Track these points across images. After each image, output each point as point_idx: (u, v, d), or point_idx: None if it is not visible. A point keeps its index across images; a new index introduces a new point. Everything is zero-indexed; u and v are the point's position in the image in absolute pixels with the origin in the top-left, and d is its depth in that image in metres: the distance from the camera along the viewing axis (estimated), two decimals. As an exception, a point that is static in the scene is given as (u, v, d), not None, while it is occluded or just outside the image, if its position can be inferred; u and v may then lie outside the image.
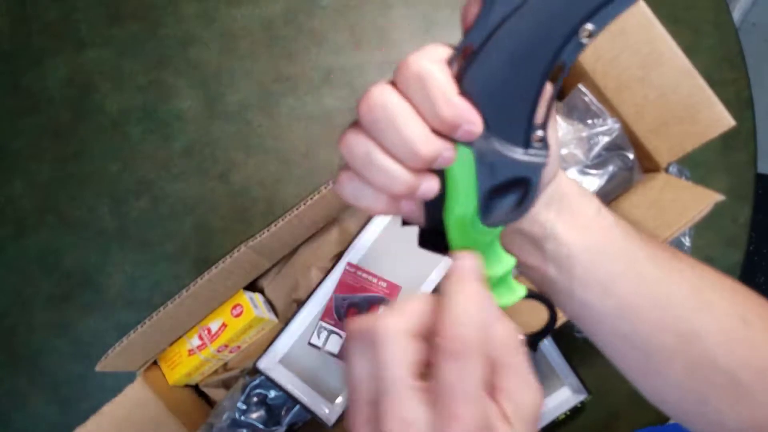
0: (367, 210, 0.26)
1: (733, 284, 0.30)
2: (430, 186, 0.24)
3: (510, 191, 0.25)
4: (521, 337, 0.26)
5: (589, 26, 0.22)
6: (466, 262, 0.25)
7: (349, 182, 0.25)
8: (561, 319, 0.33)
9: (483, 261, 0.27)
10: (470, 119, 0.23)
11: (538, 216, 0.29)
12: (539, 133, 0.24)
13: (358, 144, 0.23)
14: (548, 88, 0.23)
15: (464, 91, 0.23)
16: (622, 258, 0.29)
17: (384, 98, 0.22)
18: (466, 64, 0.23)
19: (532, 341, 0.30)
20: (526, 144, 0.24)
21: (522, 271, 0.31)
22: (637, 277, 0.29)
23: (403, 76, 0.23)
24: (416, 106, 0.23)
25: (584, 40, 0.22)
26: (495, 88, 0.23)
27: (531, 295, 0.29)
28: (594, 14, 0.21)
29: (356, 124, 0.24)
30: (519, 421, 0.24)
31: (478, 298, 0.23)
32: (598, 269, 0.29)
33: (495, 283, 0.29)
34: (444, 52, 0.23)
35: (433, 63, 0.22)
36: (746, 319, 0.28)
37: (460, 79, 0.23)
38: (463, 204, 0.26)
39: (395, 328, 0.23)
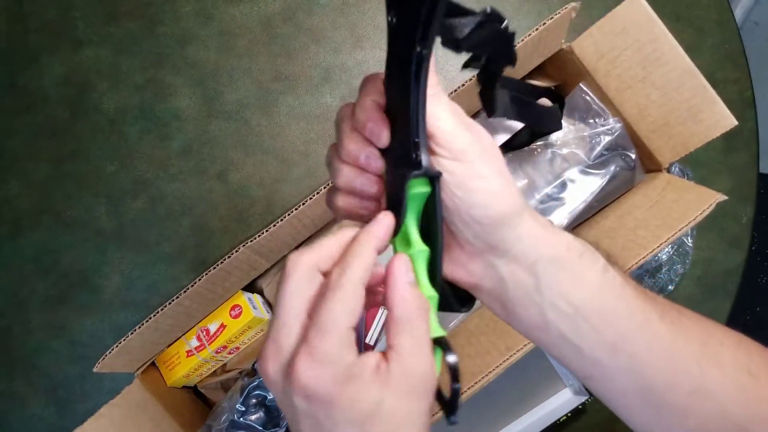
0: (339, 213, 0.30)
1: (738, 337, 0.30)
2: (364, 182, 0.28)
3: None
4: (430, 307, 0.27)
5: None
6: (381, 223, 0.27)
7: (328, 194, 0.30)
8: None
9: None
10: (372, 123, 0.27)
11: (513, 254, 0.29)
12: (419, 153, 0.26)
13: (328, 155, 0.29)
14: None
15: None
16: (635, 317, 0.29)
17: (338, 114, 0.29)
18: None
19: (448, 409, 0.26)
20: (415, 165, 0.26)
21: (525, 330, 0.31)
22: (649, 335, 0.29)
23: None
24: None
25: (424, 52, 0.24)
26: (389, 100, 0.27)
27: (441, 343, 0.27)
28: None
29: None
30: (401, 385, 0.24)
31: (368, 255, 0.26)
32: (609, 329, 0.28)
33: None
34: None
35: (368, 81, 0.27)
36: (753, 372, 0.29)
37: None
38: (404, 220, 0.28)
39: (301, 261, 0.26)
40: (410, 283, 0.26)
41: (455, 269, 0.30)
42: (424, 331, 0.26)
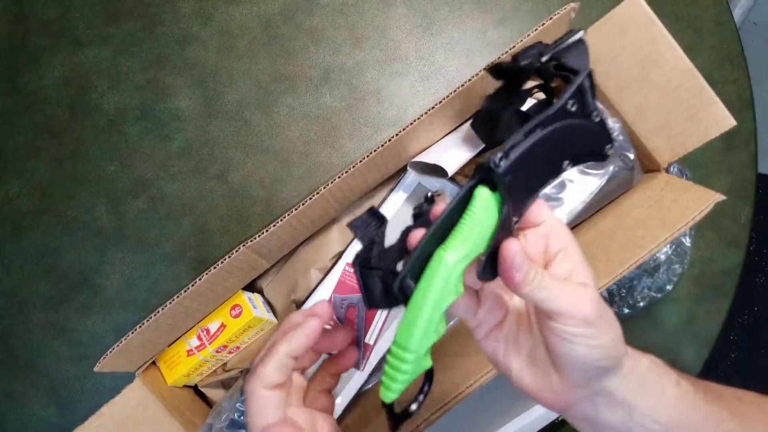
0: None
1: None
2: None
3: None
4: None
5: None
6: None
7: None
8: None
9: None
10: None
11: (616, 393, 0.31)
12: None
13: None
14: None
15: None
16: (710, 421, 0.31)
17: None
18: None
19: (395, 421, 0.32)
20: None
21: None
22: None
23: None
24: None
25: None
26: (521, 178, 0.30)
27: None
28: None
29: None
30: None
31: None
32: None
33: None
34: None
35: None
36: None
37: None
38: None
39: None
40: None
41: (544, 393, 0.32)
42: None
